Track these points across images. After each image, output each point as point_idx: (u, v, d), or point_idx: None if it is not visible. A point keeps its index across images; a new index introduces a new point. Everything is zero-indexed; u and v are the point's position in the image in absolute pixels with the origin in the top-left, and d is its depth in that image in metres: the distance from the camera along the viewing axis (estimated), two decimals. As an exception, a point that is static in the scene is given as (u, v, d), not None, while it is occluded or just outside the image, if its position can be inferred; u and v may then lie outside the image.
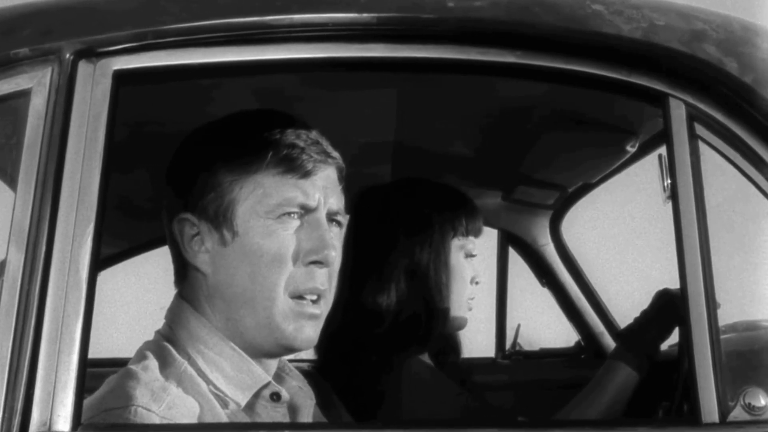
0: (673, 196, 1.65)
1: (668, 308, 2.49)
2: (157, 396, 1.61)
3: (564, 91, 2.02)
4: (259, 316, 1.72)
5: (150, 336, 1.80)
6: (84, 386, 1.52)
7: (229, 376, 1.72)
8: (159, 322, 1.81)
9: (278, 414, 1.78)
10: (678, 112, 1.67)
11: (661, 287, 2.55)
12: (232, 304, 1.73)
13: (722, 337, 1.60)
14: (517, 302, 3.81)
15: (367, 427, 2.21)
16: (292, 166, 1.73)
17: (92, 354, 1.56)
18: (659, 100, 1.70)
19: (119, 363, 1.74)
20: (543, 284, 3.69)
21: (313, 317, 1.75)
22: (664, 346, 2.55)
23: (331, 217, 1.80)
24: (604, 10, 1.69)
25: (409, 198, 2.53)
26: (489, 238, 3.56)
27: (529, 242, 3.62)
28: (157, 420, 1.57)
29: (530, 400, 3.46)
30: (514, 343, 3.75)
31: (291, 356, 1.87)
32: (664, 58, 1.68)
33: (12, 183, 1.60)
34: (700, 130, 1.67)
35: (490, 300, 3.73)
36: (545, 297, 3.67)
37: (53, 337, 1.52)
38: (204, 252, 1.75)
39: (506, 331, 3.78)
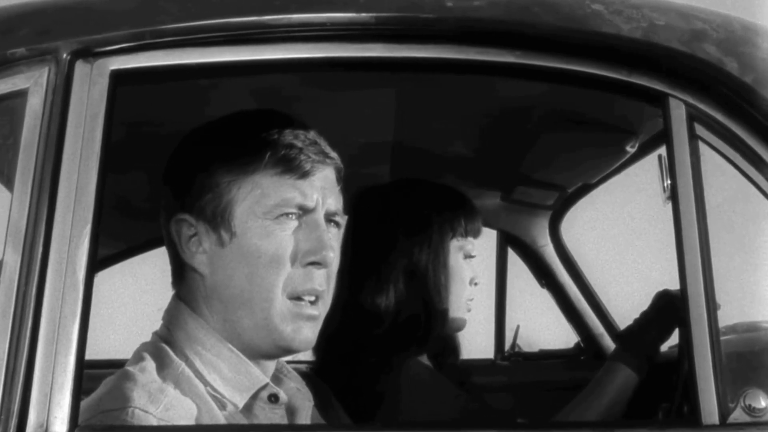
0: (673, 196, 1.65)
1: (668, 309, 2.49)
2: (154, 397, 1.60)
3: (563, 91, 2.01)
4: (256, 317, 1.71)
5: (147, 337, 1.79)
6: (81, 388, 1.51)
7: (227, 378, 1.72)
8: (156, 324, 1.81)
9: (276, 416, 1.77)
10: (678, 112, 1.67)
11: (661, 288, 2.55)
12: (230, 305, 1.72)
13: (722, 338, 1.60)
14: (516, 303, 3.81)
15: (366, 428, 2.21)
16: (290, 166, 1.73)
17: (89, 355, 1.55)
18: (659, 100, 1.69)
19: (116, 364, 1.74)
20: (542, 285, 3.69)
21: (311, 318, 1.74)
22: (664, 347, 2.55)
23: (330, 218, 1.79)
24: (604, 9, 1.69)
25: (408, 198, 2.53)
26: (488, 238, 3.56)
27: (529, 243, 3.62)
28: (154, 422, 1.57)
29: (529, 402, 3.46)
30: (513, 344, 3.75)
31: (289, 357, 1.86)
32: (664, 57, 1.68)
33: (9, 183, 1.60)
34: (700, 130, 1.67)
35: (489, 301, 3.73)
36: (544, 298, 3.67)
37: (50, 339, 1.51)
38: (201, 253, 1.74)
39: (505, 333, 3.78)
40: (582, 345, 3.69)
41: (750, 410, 1.57)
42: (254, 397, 1.74)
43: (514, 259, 3.71)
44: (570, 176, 3.16)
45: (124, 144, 1.98)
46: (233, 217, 1.71)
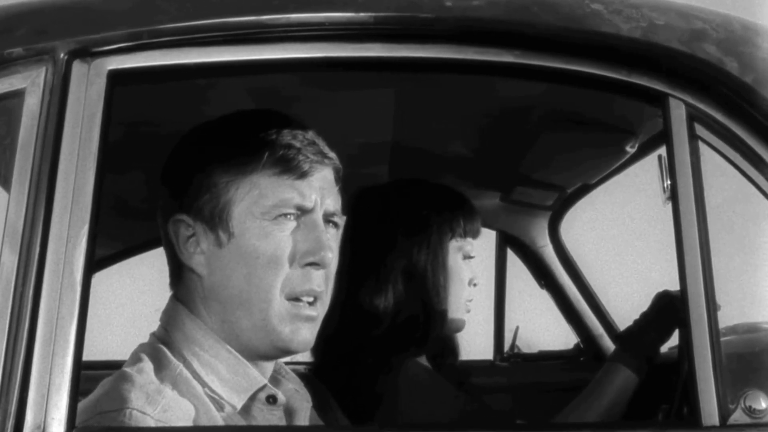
0: (673, 196, 1.65)
1: (668, 310, 2.48)
2: (152, 399, 1.60)
3: (563, 91, 2.02)
4: (255, 318, 1.71)
5: (145, 338, 1.79)
6: (78, 389, 1.51)
7: (225, 379, 1.71)
8: (154, 324, 1.81)
9: (274, 417, 1.77)
10: (678, 113, 1.67)
11: (660, 289, 2.55)
12: (228, 306, 1.72)
13: (722, 339, 1.60)
14: (515, 304, 3.81)
15: (365, 430, 2.21)
16: (289, 166, 1.72)
17: (87, 356, 1.55)
18: (659, 100, 1.69)
19: (114, 365, 1.74)
20: (541, 286, 3.69)
21: (309, 319, 1.74)
22: (664, 348, 2.55)
23: (328, 219, 1.78)
24: (603, 9, 1.69)
25: (407, 199, 2.52)
26: (487, 239, 3.56)
27: (528, 243, 3.62)
28: (152, 423, 1.56)
29: (529, 403, 3.46)
30: (513, 345, 3.75)
31: (287, 359, 1.86)
32: (663, 57, 1.68)
33: (5, 184, 1.59)
34: (700, 130, 1.67)
35: (489, 302, 3.73)
36: (544, 299, 3.68)
37: (47, 340, 1.51)
38: (199, 253, 1.74)
39: (504, 333, 3.78)
40: (581, 346, 3.69)
41: (750, 411, 1.57)
42: (252, 398, 1.74)
43: (513, 259, 3.71)
44: (569, 176, 3.16)
45: (122, 144, 1.98)
46: (231, 217, 1.71)
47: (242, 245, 1.70)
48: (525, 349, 3.77)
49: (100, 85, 1.62)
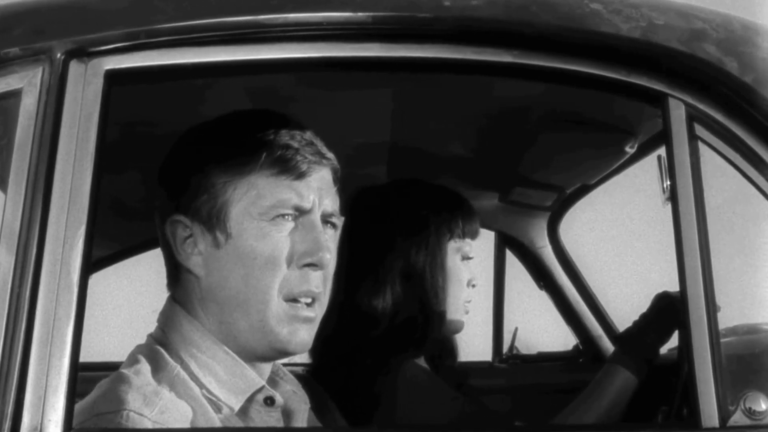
0: (673, 197, 1.65)
1: (668, 311, 2.48)
2: (149, 400, 1.59)
3: (562, 91, 2.01)
4: (252, 320, 1.70)
5: (142, 339, 1.79)
6: (75, 390, 1.51)
7: (223, 380, 1.71)
8: (151, 326, 1.80)
9: (272, 419, 1.76)
10: (677, 113, 1.67)
11: (660, 290, 2.54)
12: (226, 307, 1.71)
13: (722, 340, 1.60)
14: (514, 305, 3.81)
15: (363, 431, 2.20)
16: (287, 167, 1.72)
17: (84, 358, 1.55)
18: (658, 101, 1.69)
19: (111, 367, 1.73)
20: (540, 287, 3.69)
21: (307, 320, 1.73)
22: (664, 349, 2.54)
23: (326, 219, 1.78)
24: (603, 9, 1.68)
25: (405, 199, 2.52)
26: (486, 240, 3.56)
27: (527, 244, 3.62)
28: (149, 425, 1.56)
29: (527, 405, 3.46)
30: (512, 346, 3.75)
31: (285, 360, 1.85)
32: (663, 57, 1.68)
33: (2, 184, 1.59)
34: (699, 130, 1.66)
35: (487, 303, 3.72)
36: (543, 300, 3.67)
37: (44, 341, 1.50)
38: (197, 254, 1.73)
39: (503, 335, 3.78)
40: (581, 347, 3.69)
41: (750, 413, 1.57)
42: (250, 399, 1.73)
43: (512, 260, 3.71)
44: (568, 177, 3.16)
45: (119, 144, 1.98)
46: (229, 218, 1.70)
47: (240, 246, 1.70)
48: (524, 351, 3.77)
49: (97, 85, 1.62)
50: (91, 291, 1.58)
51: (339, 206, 1.82)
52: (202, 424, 1.64)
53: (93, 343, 1.96)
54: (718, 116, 1.66)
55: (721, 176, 1.66)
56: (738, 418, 1.56)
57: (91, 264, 1.60)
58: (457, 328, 2.54)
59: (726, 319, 1.62)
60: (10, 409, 1.47)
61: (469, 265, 2.55)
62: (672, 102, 1.67)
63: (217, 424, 1.66)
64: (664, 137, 1.69)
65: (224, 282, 1.71)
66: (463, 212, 2.53)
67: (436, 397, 2.39)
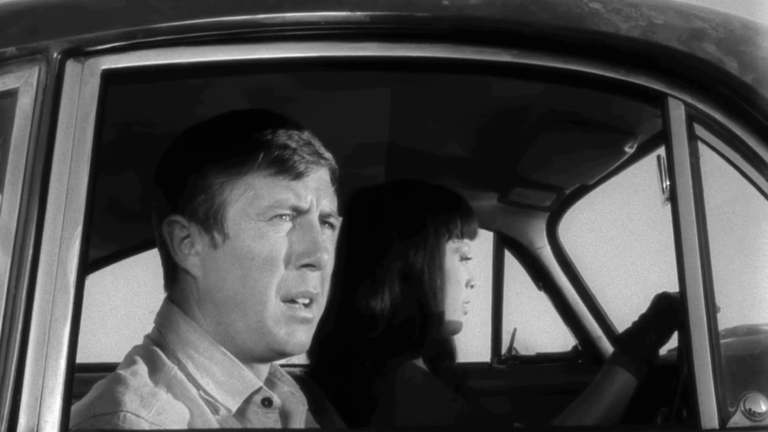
0: (672, 197, 1.64)
1: (667, 312, 2.48)
2: (146, 402, 1.59)
3: (561, 91, 2.02)
4: (250, 320, 1.70)
5: (139, 340, 1.78)
6: (72, 391, 1.50)
7: (220, 382, 1.71)
8: (148, 326, 1.80)
9: (270, 420, 1.76)
10: (677, 113, 1.66)
11: (660, 291, 2.54)
12: (223, 308, 1.71)
13: (722, 341, 1.59)
14: (513, 306, 3.80)
15: (361, 433, 2.21)
16: (284, 167, 1.72)
17: (80, 358, 1.54)
18: (658, 100, 1.69)
19: (108, 368, 1.73)
20: (539, 288, 3.68)
21: (305, 321, 1.73)
22: (663, 350, 2.54)
23: (324, 219, 1.78)
24: (602, 8, 1.68)
25: (403, 200, 2.52)
26: (484, 240, 3.55)
27: (526, 245, 3.61)
28: (146, 426, 1.55)
29: (527, 406, 3.46)
30: (510, 347, 3.75)
31: (283, 361, 1.85)
32: (662, 57, 1.67)
33: (-1, 184, 1.58)
34: (699, 130, 1.66)
35: (486, 304, 3.72)
36: (542, 301, 3.67)
37: (40, 342, 1.50)
38: (194, 255, 1.73)
39: (502, 336, 3.78)
40: (580, 348, 3.69)
41: (750, 414, 1.57)
42: (247, 401, 1.73)
43: (510, 261, 3.71)
44: (567, 177, 3.16)
45: (116, 144, 1.98)
46: (226, 218, 1.70)
47: (237, 246, 1.70)
48: (523, 352, 3.76)
49: (93, 85, 1.61)
50: (87, 292, 1.57)
51: (337, 206, 1.82)
52: (199, 425, 1.63)
53: (90, 344, 1.96)
54: (718, 116, 1.65)
55: (721, 176, 1.65)
56: (738, 420, 1.56)
57: (88, 264, 1.60)
58: (456, 329, 2.54)
59: (726, 320, 1.62)
60: (6, 410, 1.47)
61: (467, 266, 2.54)
62: (672, 102, 1.67)
63: (215, 425, 1.66)
64: (663, 137, 1.68)
65: (221, 283, 1.71)
66: (461, 212, 2.53)
67: (435, 398, 2.39)
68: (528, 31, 1.68)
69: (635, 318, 2.58)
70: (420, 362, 2.48)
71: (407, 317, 2.41)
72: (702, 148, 1.65)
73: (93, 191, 1.57)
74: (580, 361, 3.68)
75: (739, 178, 1.65)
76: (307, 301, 1.73)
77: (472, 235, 2.56)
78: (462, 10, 1.67)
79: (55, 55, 1.61)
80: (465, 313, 2.55)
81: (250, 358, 1.74)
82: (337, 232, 1.83)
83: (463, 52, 1.69)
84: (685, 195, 1.63)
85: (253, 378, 1.74)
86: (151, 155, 1.82)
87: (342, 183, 1.86)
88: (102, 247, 3.24)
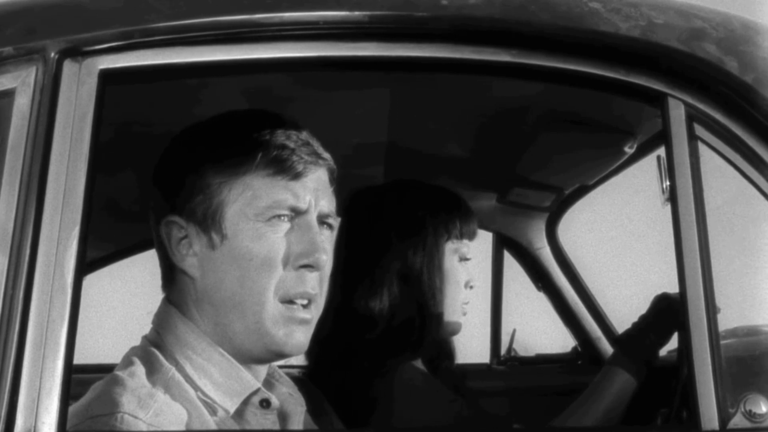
0: (672, 198, 1.64)
1: (667, 313, 2.47)
2: (144, 403, 1.59)
3: (560, 90, 2.02)
4: (248, 321, 1.70)
5: (137, 341, 1.78)
6: (69, 393, 1.50)
7: (218, 383, 1.70)
8: (146, 327, 1.80)
9: (268, 421, 1.76)
10: (677, 113, 1.66)
11: (659, 291, 2.54)
12: (221, 309, 1.71)
13: (722, 342, 1.59)
14: (512, 307, 3.80)
15: (360, 434, 2.20)
16: (282, 167, 1.72)
17: (78, 360, 1.54)
18: (658, 100, 1.69)
19: (105, 369, 1.73)
20: (539, 288, 3.68)
21: (303, 322, 1.73)
22: (663, 351, 2.54)
23: (322, 220, 1.77)
24: (602, 8, 1.68)
25: (402, 200, 2.51)
26: (484, 241, 3.55)
27: (525, 245, 3.61)
28: (144, 427, 1.55)
29: (526, 407, 3.45)
30: (510, 348, 3.74)
31: (281, 362, 1.85)
32: (662, 57, 1.67)
33: (-5, 184, 1.58)
34: (699, 130, 1.66)
35: (485, 304, 3.72)
36: (541, 301, 3.67)
37: (38, 343, 1.50)
38: (192, 255, 1.73)
39: (501, 337, 3.78)
40: (579, 349, 3.68)
41: (750, 415, 1.56)
42: (246, 402, 1.73)
43: (510, 261, 3.71)
44: (567, 177, 3.16)
45: (113, 145, 1.98)
46: (224, 219, 1.70)
47: (235, 247, 1.69)
48: (522, 353, 3.76)
49: (91, 85, 1.61)
50: (85, 292, 1.57)
51: (335, 207, 1.82)
52: (197, 426, 1.63)
53: (87, 345, 1.96)
54: (718, 116, 1.65)
55: (721, 176, 1.65)
56: (738, 421, 1.56)
57: (86, 265, 1.60)
58: (455, 329, 2.54)
59: (726, 321, 1.61)
60: (3, 412, 1.47)
61: (466, 267, 2.54)
62: (671, 102, 1.67)
63: (213, 426, 1.66)
64: (663, 137, 1.68)
65: (219, 283, 1.70)
66: (460, 213, 2.53)
67: (434, 399, 2.38)
68: (527, 30, 1.67)
69: (635, 319, 2.58)
70: (419, 363, 2.48)
71: (406, 318, 2.41)
72: (702, 148, 1.65)
73: (90, 191, 1.57)
74: (579, 362, 3.68)
75: (739, 178, 1.65)
76: (305, 301, 1.73)
77: (471, 236, 2.55)
78: (461, 10, 1.67)
79: (52, 54, 1.61)
80: (464, 314, 2.55)
81: (249, 359, 1.74)
82: (335, 232, 1.83)
83: (462, 51, 1.68)
84: (685, 195, 1.63)
85: (251, 379, 1.74)
86: (148, 155, 1.82)
87: (341, 183, 1.86)
88: (99, 248, 3.25)
